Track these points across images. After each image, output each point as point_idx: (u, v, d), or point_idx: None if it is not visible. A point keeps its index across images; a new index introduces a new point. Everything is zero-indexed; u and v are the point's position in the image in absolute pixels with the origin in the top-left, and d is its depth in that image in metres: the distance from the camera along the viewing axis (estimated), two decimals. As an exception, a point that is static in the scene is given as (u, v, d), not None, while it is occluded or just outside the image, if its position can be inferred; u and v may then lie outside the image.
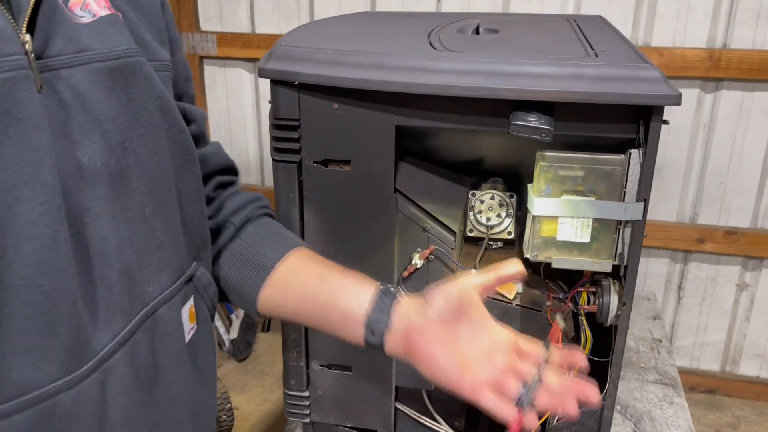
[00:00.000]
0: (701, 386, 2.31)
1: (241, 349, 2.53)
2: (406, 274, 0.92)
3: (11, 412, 0.49)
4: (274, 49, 0.86)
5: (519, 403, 0.64)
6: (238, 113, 2.54)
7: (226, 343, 2.51)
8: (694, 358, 2.32)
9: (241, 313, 2.58)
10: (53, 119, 0.51)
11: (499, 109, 0.79)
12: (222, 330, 2.52)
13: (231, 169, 0.84)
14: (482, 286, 0.69)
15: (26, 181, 0.47)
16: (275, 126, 0.87)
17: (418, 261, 0.91)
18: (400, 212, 0.90)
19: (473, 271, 0.71)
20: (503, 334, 0.69)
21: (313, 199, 0.90)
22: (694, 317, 2.27)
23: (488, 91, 0.75)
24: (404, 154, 0.96)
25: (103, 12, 0.58)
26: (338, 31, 1.02)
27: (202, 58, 2.47)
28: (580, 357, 0.69)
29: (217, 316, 2.50)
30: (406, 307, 0.71)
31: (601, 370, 0.91)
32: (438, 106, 0.81)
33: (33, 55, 0.50)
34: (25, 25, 0.50)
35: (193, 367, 0.69)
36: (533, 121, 0.74)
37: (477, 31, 1.03)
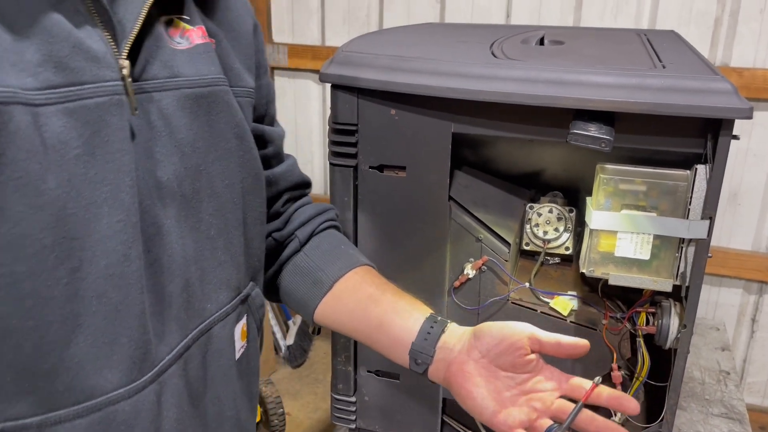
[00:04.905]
0: (773, 426, 2.17)
1: (297, 356, 2.56)
2: (457, 284, 0.91)
3: (75, 416, 0.51)
4: (336, 55, 0.87)
5: None
6: (305, 124, 2.59)
7: (283, 348, 2.54)
8: (767, 395, 2.19)
9: (298, 319, 2.61)
10: (140, 139, 0.54)
11: (559, 118, 0.77)
12: (279, 335, 2.55)
13: (302, 184, 0.86)
14: (536, 339, 0.68)
15: (105, 199, 0.50)
16: (334, 130, 0.88)
17: (470, 271, 0.90)
18: (453, 221, 0.89)
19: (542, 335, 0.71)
20: (549, 373, 0.70)
21: (367, 204, 0.90)
22: (768, 352, 2.15)
23: (548, 99, 0.74)
24: (461, 164, 0.95)
25: (199, 40, 0.61)
26: (400, 40, 1.03)
27: (273, 69, 2.53)
28: (631, 404, 0.66)
29: (274, 321, 2.53)
30: (452, 339, 0.72)
31: (658, 395, 0.87)
32: (496, 114, 0.80)
33: (130, 79, 0.52)
34: (126, 50, 0.52)
35: (240, 383, 0.71)
36: (593, 130, 0.72)
37: (541, 42, 1.01)
